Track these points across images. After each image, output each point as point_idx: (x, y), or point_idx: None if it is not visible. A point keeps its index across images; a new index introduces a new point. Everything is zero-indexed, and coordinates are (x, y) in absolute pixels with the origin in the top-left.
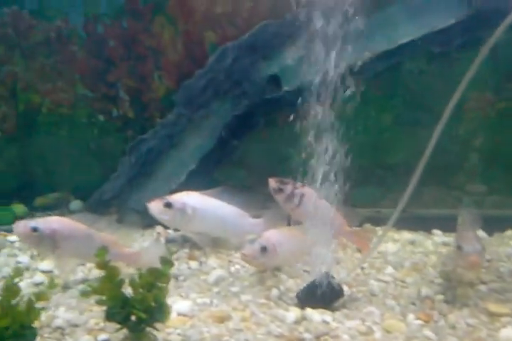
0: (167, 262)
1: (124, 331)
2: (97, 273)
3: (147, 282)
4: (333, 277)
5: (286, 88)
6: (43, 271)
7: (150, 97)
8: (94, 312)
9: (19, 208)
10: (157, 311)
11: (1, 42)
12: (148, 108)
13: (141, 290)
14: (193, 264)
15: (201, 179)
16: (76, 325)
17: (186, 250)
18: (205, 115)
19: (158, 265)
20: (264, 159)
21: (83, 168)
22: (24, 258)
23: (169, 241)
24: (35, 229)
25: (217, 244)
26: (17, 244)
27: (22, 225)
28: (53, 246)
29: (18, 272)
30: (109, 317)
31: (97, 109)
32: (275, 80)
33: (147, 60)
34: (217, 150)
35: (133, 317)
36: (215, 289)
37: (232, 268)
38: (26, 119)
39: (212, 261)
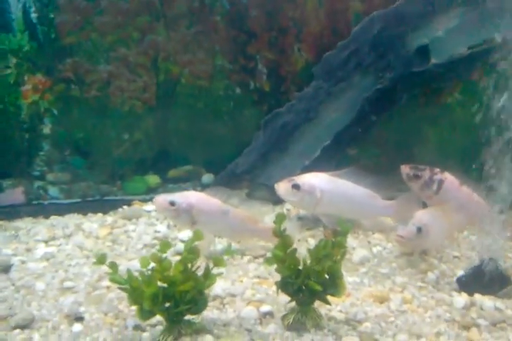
0: (343, 233)
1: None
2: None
3: (325, 253)
4: (499, 264)
5: (434, 60)
6: (183, 241)
7: (288, 70)
8: (245, 283)
9: (153, 179)
10: (331, 284)
11: (145, 11)
12: (286, 81)
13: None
14: None
15: (334, 155)
16: (233, 295)
17: (321, 228)
18: (345, 88)
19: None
20: (402, 138)
21: (217, 142)
22: (162, 228)
23: (301, 218)
24: (173, 203)
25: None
26: (153, 214)
27: (161, 199)
28: (190, 220)
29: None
30: (282, 287)
31: (234, 81)
32: (423, 52)
33: (288, 32)
34: (354, 125)
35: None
36: (362, 269)
37: (374, 249)
38: (165, 90)
39: (350, 240)
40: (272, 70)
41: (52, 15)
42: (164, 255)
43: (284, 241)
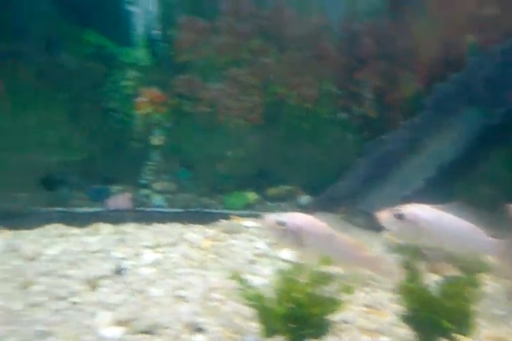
0: (478, 271)
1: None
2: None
3: (456, 290)
4: None
5: None
6: (284, 260)
7: (395, 97)
8: (355, 311)
9: (252, 196)
10: (461, 323)
11: (259, 34)
12: (392, 109)
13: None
14: (436, 278)
15: (438, 187)
16: (346, 322)
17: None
18: (454, 121)
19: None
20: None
21: (317, 164)
22: (261, 245)
23: (401, 248)
24: (281, 223)
25: (451, 259)
26: (252, 230)
27: (270, 218)
28: (297, 242)
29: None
30: (405, 319)
31: (339, 106)
32: None
33: (399, 60)
34: (461, 159)
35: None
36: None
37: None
38: (271, 111)
39: None
40: (378, 97)
41: (172, 33)
42: (294, 276)
43: (412, 273)
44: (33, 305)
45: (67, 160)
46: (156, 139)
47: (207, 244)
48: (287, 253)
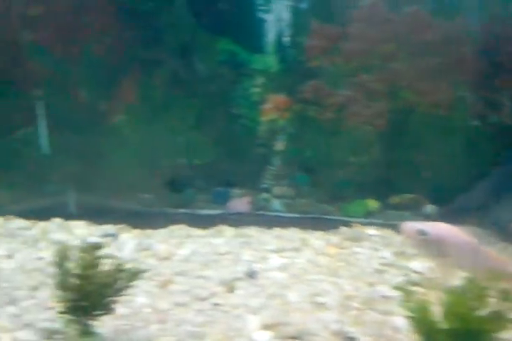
0: None
1: None
2: None
3: None
4: None
5: None
6: (414, 271)
7: None
8: None
9: (372, 203)
10: None
11: (392, 39)
12: None
13: None
14: None
15: None
16: None
17: None
18: None
19: None
20: None
21: (444, 173)
22: (387, 254)
23: None
24: (422, 233)
25: None
26: (376, 239)
27: (410, 226)
28: (438, 253)
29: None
30: None
31: (473, 113)
32: None
33: None
34: None
35: None
36: None
37: None
38: (398, 117)
39: None
40: None
41: (302, 40)
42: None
43: None
44: (178, 305)
45: (193, 163)
46: (279, 144)
47: (332, 250)
48: (416, 264)
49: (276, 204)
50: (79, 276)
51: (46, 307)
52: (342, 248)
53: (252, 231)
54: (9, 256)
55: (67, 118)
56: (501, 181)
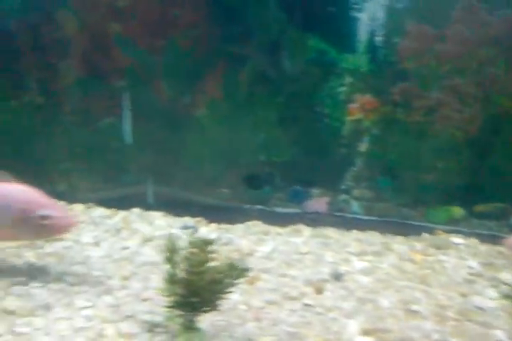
0: None
1: None
2: None
3: None
4: None
5: None
6: (505, 283)
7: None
8: None
9: (457, 210)
10: None
11: (489, 43)
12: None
13: None
14: None
15: None
16: None
17: None
18: None
19: None
20: None
21: None
22: (474, 264)
23: None
24: None
25: None
26: (462, 247)
27: None
28: None
29: None
30: None
31: None
32: None
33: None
34: None
35: None
36: None
37: None
38: (490, 123)
39: None
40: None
41: (396, 40)
42: None
43: None
44: (270, 303)
45: (271, 160)
46: (363, 146)
47: (418, 257)
48: (506, 275)
49: (355, 206)
50: (191, 272)
51: (142, 299)
52: (427, 255)
53: (331, 232)
54: (96, 244)
55: (150, 110)
56: None
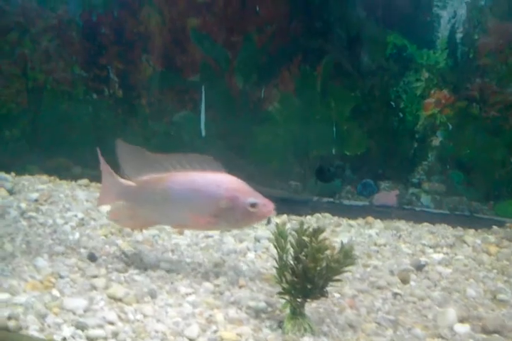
0: None
1: None
2: None
3: None
4: None
5: None
6: None
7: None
8: None
9: None
10: None
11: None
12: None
13: None
14: None
15: None
16: None
17: None
18: None
19: None
20: None
21: None
22: None
23: None
24: None
25: None
26: None
27: None
28: None
29: None
30: None
31: None
32: None
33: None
34: None
35: None
36: None
37: None
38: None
39: None
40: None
41: (476, 37)
42: None
43: None
44: (361, 292)
45: (344, 154)
46: (436, 140)
47: (493, 250)
48: None
49: (425, 199)
50: (311, 258)
51: (239, 286)
52: (502, 247)
53: (402, 225)
54: (180, 233)
55: (222, 104)
56: None
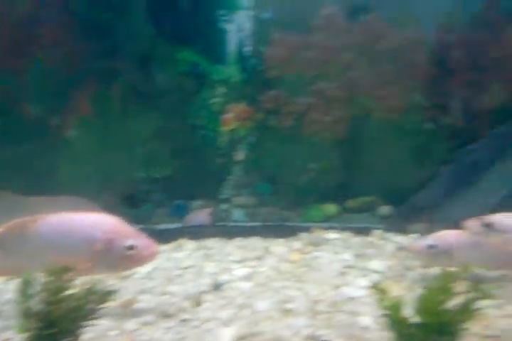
0: None
1: None
2: None
3: None
4: None
5: None
6: (375, 271)
7: (483, 107)
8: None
9: (331, 208)
10: None
11: (350, 49)
12: (479, 118)
13: None
14: None
15: None
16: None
17: None
18: None
19: None
20: None
21: (399, 175)
22: (348, 256)
23: None
24: (432, 247)
25: None
26: (336, 242)
27: (420, 244)
28: (448, 259)
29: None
30: None
31: (427, 117)
32: None
33: (488, 70)
34: None
35: None
36: None
37: None
38: (357, 123)
39: None
40: (466, 107)
41: (263, 50)
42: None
43: None
44: (144, 324)
45: (151, 177)
46: (240, 154)
47: (296, 256)
48: (376, 264)
49: (239, 214)
50: (47, 302)
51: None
52: (304, 253)
53: (212, 243)
54: None
55: (14, 131)
56: (453, 179)
